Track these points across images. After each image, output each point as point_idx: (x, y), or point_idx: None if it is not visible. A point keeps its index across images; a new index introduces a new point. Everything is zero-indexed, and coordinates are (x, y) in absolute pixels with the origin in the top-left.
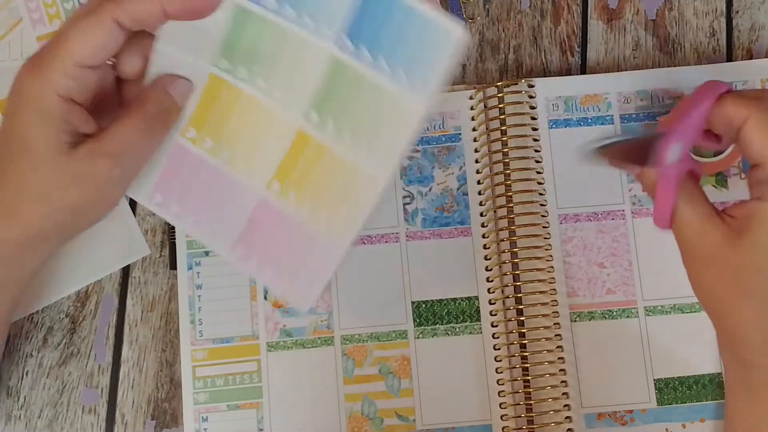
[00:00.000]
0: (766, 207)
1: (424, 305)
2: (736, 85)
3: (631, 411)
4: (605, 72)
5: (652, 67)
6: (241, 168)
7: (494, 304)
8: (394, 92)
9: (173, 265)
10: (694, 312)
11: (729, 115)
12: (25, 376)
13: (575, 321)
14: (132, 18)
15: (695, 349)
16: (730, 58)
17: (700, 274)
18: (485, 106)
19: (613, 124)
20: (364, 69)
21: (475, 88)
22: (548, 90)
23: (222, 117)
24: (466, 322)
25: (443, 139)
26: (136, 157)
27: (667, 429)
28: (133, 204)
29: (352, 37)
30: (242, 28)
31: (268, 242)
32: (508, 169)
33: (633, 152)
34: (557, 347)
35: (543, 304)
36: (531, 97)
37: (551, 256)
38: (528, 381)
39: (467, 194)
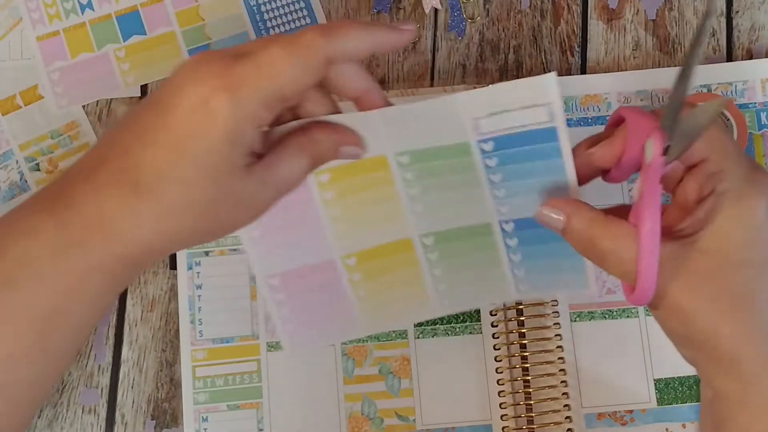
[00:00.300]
0: (721, 198)
1: None
2: (736, 85)
3: (631, 411)
4: (605, 72)
5: (652, 67)
6: (337, 228)
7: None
8: (505, 278)
9: (173, 265)
10: None
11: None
12: None
13: (575, 321)
14: (344, 55)
15: None
16: (730, 58)
17: (684, 301)
18: None
19: None
20: (502, 249)
21: (474, 88)
22: None
23: (359, 186)
24: (466, 322)
25: None
26: (290, 191)
27: (667, 429)
28: None
29: (517, 225)
30: (448, 152)
31: (307, 292)
32: None
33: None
34: (557, 347)
35: (543, 303)
36: None
37: None
38: (528, 381)
39: None
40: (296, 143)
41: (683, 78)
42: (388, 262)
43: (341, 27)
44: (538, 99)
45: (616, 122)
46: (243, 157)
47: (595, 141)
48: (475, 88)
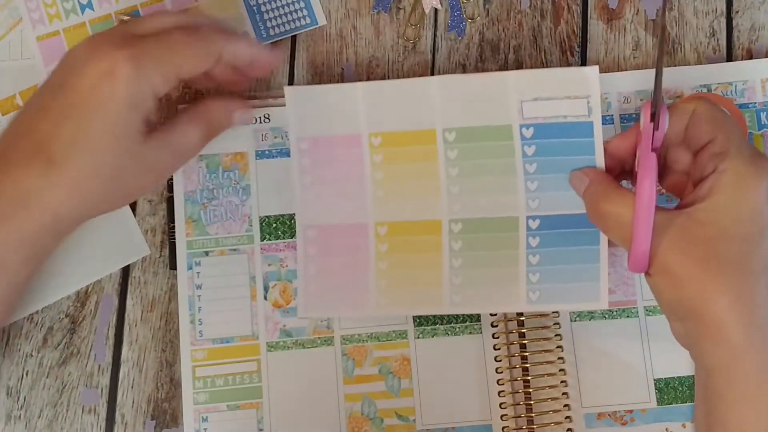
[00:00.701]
0: (722, 175)
1: None
2: (736, 85)
3: (631, 411)
4: (605, 72)
5: (652, 67)
6: (378, 192)
7: None
8: (518, 282)
9: (173, 265)
10: None
11: (680, 110)
12: (25, 376)
13: (575, 321)
14: (232, 56)
15: None
16: (730, 58)
17: (676, 265)
18: None
19: (613, 123)
20: (522, 248)
21: None
22: None
23: (406, 156)
24: (466, 322)
25: None
26: (191, 157)
27: (667, 429)
28: (132, 204)
29: (542, 223)
30: (492, 133)
31: (336, 252)
32: None
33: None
34: (557, 347)
35: None
36: None
37: None
38: (528, 381)
39: None
40: (192, 112)
41: (659, 61)
42: (415, 240)
43: (233, 34)
44: (579, 90)
45: None
46: (142, 124)
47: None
48: None
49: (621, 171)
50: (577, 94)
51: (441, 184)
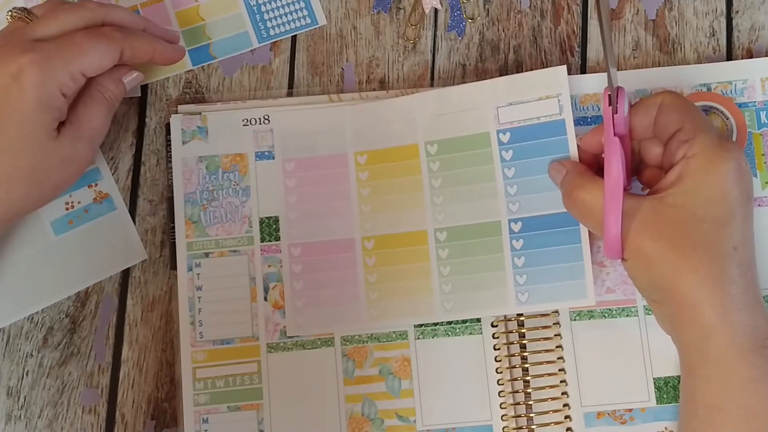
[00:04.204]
0: (691, 161)
1: None
2: (735, 84)
3: (630, 410)
4: (605, 72)
5: (652, 67)
6: (363, 209)
7: None
8: (506, 285)
9: (173, 265)
10: None
11: (648, 103)
12: (25, 376)
13: (575, 320)
14: (132, 53)
15: None
16: (730, 57)
17: (649, 247)
18: None
19: None
20: (507, 251)
21: None
22: None
23: (390, 171)
24: (466, 322)
25: None
26: (102, 137)
27: (666, 428)
28: (132, 208)
29: (524, 225)
30: (471, 142)
31: (323, 268)
32: None
33: None
34: (557, 346)
35: None
36: None
37: None
38: (528, 381)
39: None
40: (86, 96)
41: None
42: (403, 252)
43: (133, 32)
44: (550, 89)
45: None
46: (54, 122)
47: None
48: None
49: (599, 166)
50: (548, 94)
51: (425, 196)
